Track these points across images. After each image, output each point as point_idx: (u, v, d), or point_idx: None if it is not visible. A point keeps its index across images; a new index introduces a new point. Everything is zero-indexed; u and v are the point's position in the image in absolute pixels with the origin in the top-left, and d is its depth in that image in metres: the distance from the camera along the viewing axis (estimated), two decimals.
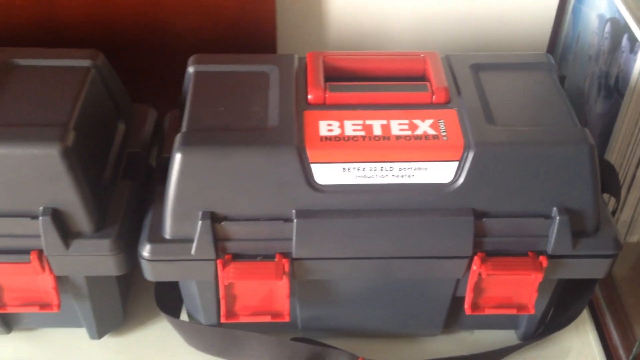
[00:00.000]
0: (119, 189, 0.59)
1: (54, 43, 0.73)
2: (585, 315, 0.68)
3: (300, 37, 0.78)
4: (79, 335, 0.66)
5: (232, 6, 0.74)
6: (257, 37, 0.75)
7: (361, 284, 0.59)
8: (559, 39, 0.82)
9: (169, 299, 0.65)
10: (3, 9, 0.72)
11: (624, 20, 0.65)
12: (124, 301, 0.65)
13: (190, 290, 0.60)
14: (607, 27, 0.69)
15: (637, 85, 0.62)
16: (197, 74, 0.60)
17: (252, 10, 0.74)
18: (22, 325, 0.64)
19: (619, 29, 0.66)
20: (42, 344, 0.65)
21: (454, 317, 0.63)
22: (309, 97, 0.57)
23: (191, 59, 0.61)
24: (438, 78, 0.57)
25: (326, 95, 0.56)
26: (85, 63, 0.60)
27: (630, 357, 0.65)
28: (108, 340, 0.66)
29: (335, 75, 0.59)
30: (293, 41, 0.78)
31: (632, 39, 0.63)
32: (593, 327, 0.68)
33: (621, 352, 0.66)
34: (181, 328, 0.64)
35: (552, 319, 0.65)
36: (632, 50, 0.63)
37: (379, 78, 0.59)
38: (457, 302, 0.61)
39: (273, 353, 0.61)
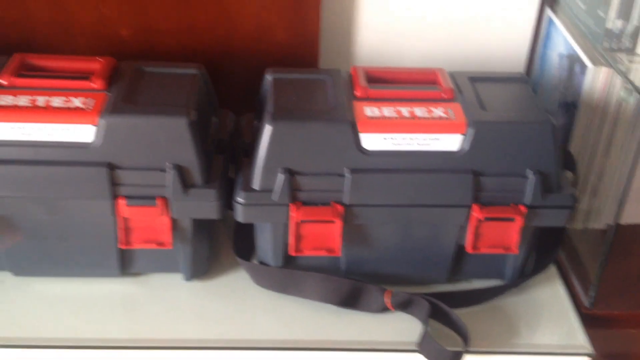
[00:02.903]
0: (215, 159, 0.82)
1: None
2: (554, 273, 0.90)
3: (333, 56, 1.03)
4: (172, 281, 0.86)
5: (284, 42, 0.99)
6: (303, 59, 1.00)
7: (390, 230, 0.81)
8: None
9: (243, 249, 0.86)
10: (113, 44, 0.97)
11: (576, 53, 0.90)
12: (210, 252, 0.86)
13: (265, 235, 0.81)
14: (565, 61, 0.94)
15: (586, 97, 0.87)
16: (275, 79, 0.84)
17: (300, 44, 0.99)
18: (132, 269, 0.85)
19: (572, 60, 0.91)
20: (144, 286, 0.86)
21: (457, 265, 0.85)
22: (356, 93, 0.81)
23: (268, 70, 0.85)
24: (446, 83, 0.82)
25: (368, 91, 0.80)
26: (194, 71, 0.84)
27: (589, 300, 0.86)
28: (195, 284, 0.86)
29: (373, 80, 0.83)
30: (329, 59, 1.03)
31: (582, 65, 0.88)
32: (561, 282, 0.89)
33: (582, 297, 0.87)
34: (252, 269, 0.85)
35: (530, 271, 0.87)
36: (582, 73, 0.88)
37: (404, 82, 0.83)
38: (459, 251, 0.83)
39: (323, 287, 0.82)
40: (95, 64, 0.82)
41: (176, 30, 0.98)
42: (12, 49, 0.96)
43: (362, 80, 0.82)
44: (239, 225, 0.89)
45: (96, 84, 0.79)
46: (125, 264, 0.84)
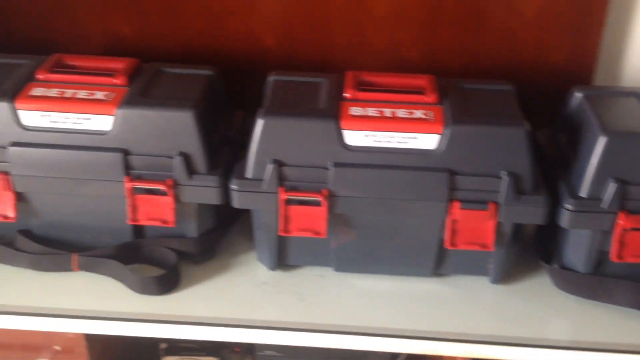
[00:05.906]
0: None
1: None
2: None
3: (605, 74, 1.08)
4: (477, 282, 0.92)
5: (561, 61, 1.04)
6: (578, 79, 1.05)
7: None
8: None
9: (546, 252, 0.91)
10: None
11: None
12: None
13: (580, 242, 0.85)
14: None
15: None
16: (586, 96, 0.89)
17: (576, 64, 1.04)
18: (442, 270, 0.91)
19: None
20: (452, 286, 0.91)
21: None
22: None
23: (576, 87, 0.91)
24: None
25: None
26: (509, 88, 0.91)
27: None
28: (499, 286, 0.92)
29: None
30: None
31: None
32: None
33: None
34: (558, 274, 0.89)
35: None
36: None
37: None
38: None
39: (638, 294, 0.85)
40: (421, 81, 0.90)
41: (460, 51, 1.05)
42: (313, 68, 1.08)
43: None
44: (540, 231, 0.94)
45: (430, 98, 0.86)
46: (439, 264, 0.90)
